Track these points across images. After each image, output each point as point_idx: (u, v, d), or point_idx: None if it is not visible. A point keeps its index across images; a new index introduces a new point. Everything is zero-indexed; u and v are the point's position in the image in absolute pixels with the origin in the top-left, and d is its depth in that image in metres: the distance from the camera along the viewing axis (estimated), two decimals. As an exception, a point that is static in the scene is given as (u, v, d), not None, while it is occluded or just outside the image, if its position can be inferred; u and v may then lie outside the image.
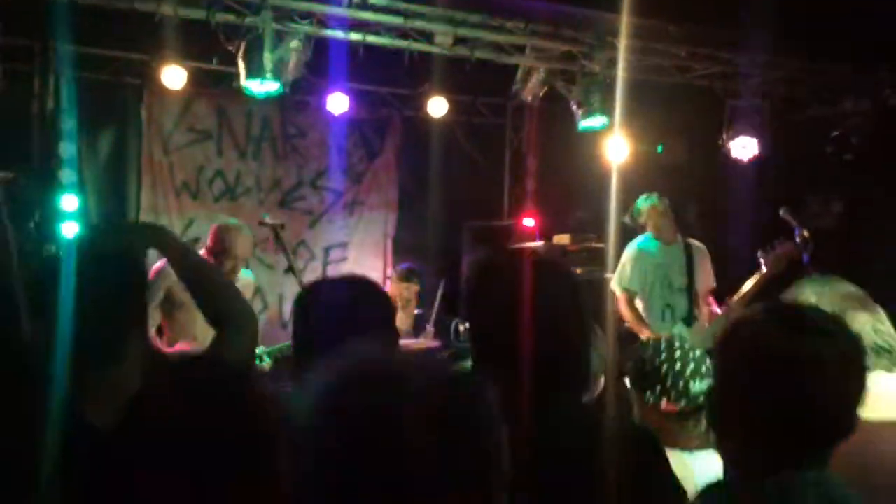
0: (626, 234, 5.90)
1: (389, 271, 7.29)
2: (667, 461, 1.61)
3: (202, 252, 4.18)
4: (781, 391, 1.36)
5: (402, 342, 4.54)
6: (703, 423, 1.96)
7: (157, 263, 3.95)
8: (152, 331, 4.02)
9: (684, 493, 1.63)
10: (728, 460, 1.49)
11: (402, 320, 5.75)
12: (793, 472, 1.37)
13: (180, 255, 2.14)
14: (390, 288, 6.07)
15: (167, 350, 3.89)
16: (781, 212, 4.81)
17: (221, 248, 4.07)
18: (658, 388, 2.02)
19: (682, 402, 2.01)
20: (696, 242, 5.63)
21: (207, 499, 1.17)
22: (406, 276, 6.11)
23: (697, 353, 2.06)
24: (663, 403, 2.02)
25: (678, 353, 2.05)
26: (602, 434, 1.48)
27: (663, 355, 2.05)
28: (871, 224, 5.45)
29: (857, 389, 1.38)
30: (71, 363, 1.64)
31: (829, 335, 1.38)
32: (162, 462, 1.18)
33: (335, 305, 2.01)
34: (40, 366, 1.67)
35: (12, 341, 1.74)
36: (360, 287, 2.10)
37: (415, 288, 6.09)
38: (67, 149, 6.08)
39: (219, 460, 1.19)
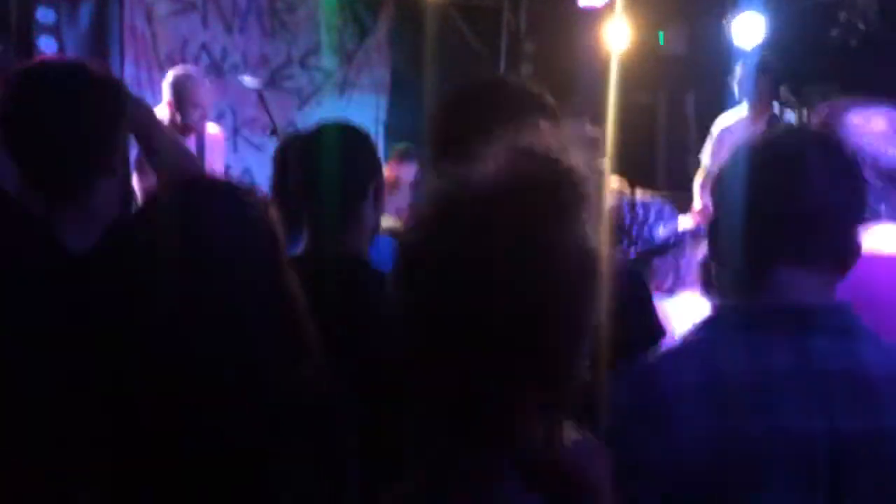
0: (625, 123, 5.77)
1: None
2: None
3: (164, 108, 4.01)
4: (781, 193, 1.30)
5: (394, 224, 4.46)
6: (676, 267, 1.99)
7: None
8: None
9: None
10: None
11: (403, 201, 5.66)
12: None
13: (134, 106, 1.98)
14: (388, 170, 5.95)
15: None
16: (781, 91, 4.69)
17: (181, 97, 3.91)
18: (625, 240, 2.12)
19: (648, 247, 2.14)
20: None
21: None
22: (405, 156, 5.97)
23: (659, 204, 2.21)
24: (632, 252, 2.13)
25: (642, 200, 2.20)
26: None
27: (625, 204, 2.18)
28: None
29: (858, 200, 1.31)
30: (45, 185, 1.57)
31: (823, 140, 1.33)
32: (135, 287, 1.10)
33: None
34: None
35: None
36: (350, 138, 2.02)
37: (414, 167, 5.97)
38: (47, 15, 5.88)
39: (202, 280, 1.11)
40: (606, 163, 5.65)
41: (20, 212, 1.59)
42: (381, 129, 7.52)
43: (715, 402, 1.23)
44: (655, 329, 1.68)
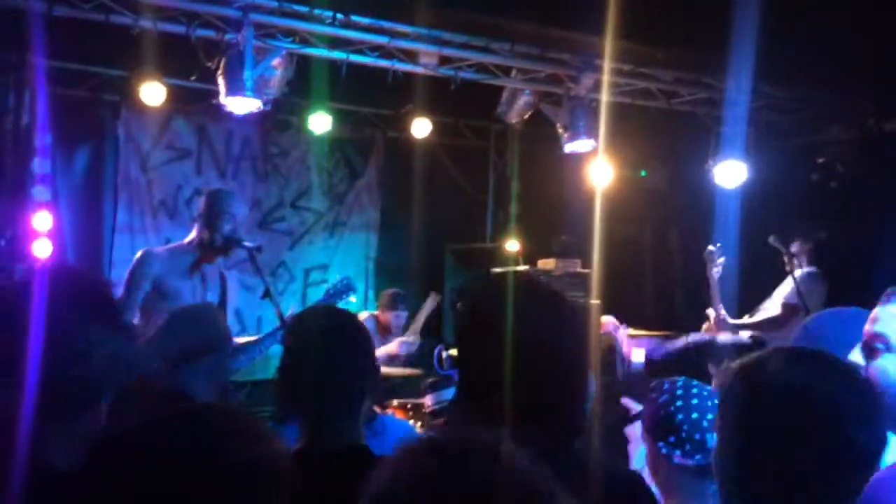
0: (610, 259, 5.84)
1: (370, 294, 7.18)
2: None
3: (195, 226, 3.89)
4: (807, 426, 1.26)
5: (385, 370, 4.41)
6: None
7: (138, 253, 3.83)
8: (136, 319, 3.81)
9: None
10: None
11: (393, 347, 5.64)
12: None
13: None
14: (379, 314, 5.96)
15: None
16: (770, 239, 4.77)
17: (213, 210, 3.81)
18: (672, 438, 1.82)
19: (698, 457, 1.80)
20: None
21: None
22: (393, 304, 6.00)
23: (716, 400, 1.83)
24: (677, 457, 1.82)
25: (695, 401, 1.83)
26: (594, 487, 1.36)
27: (679, 402, 1.84)
28: (856, 254, 5.42)
29: (879, 434, 1.29)
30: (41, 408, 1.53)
31: (848, 377, 1.29)
32: None
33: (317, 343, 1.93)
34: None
35: None
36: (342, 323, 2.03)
37: (404, 314, 5.99)
38: (42, 165, 5.94)
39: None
40: (596, 303, 5.69)
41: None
42: (370, 266, 7.59)
43: None
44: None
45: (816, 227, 5.29)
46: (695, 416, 1.81)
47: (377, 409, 3.05)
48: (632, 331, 6.77)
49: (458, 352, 1.53)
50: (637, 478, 1.59)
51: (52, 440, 1.48)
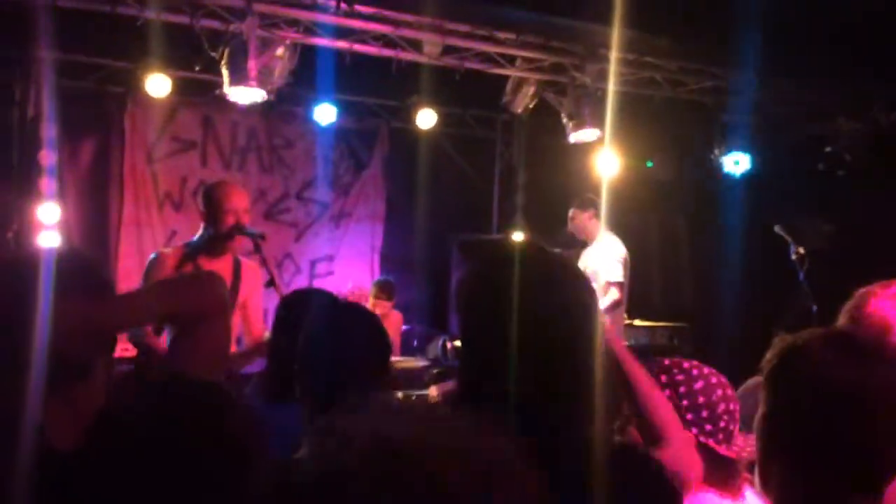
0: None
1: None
2: None
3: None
4: (845, 422, 1.28)
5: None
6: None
7: (151, 256, 3.82)
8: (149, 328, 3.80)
9: None
10: (775, 498, 1.38)
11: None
12: None
13: None
14: (369, 303, 5.96)
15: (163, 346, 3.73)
16: (777, 228, 4.75)
17: (213, 205, 3.73)
18: (708, 426, 1.79)
19: (730, 447, 1.79)
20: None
21: None
22: (376, 292, 6.01)
23: (730, 391, 1.84)
24: (710, 442, 1.78)
25: (739, 392, 1.84)
26: (607, 470, 1.32)
27: (718, 391, 1.81)
28: (863, 244, 5.39)
29: None
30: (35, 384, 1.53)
31: (890, 363, 1.30)
32: (123, 486, 1.10)
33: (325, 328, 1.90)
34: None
35: None
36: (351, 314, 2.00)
37: (387, 304, 5.98)
38: (48, 157, 5.96)
39: (183, 483, 1.11)
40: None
41: None
42: (375, 257, 7.59)
43: None
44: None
45: (822, 219, 5.27)
46: (732, 406, 1.82)
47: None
48: (638, 321, 6.79)
49: (462, 319, 1.42)
50: (657, 463, 1.54)
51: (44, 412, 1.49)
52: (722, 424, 1.79)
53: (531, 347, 1.29)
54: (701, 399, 1.80)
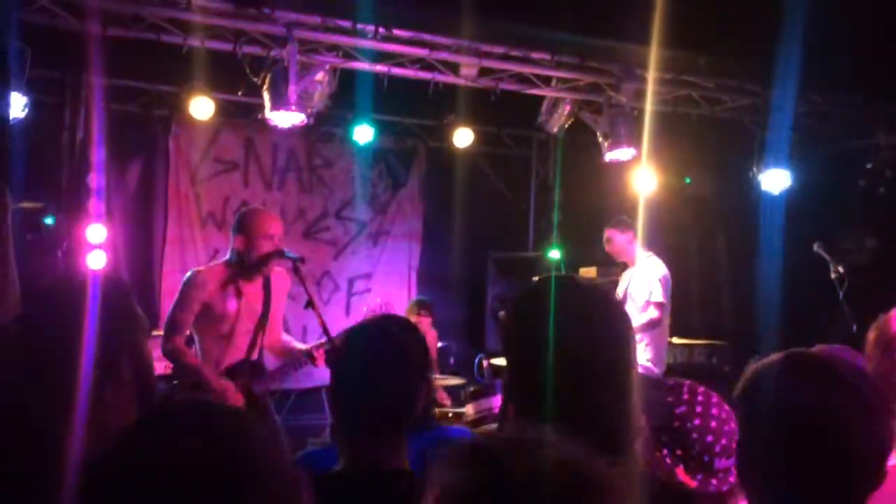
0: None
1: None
2: None
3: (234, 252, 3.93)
4: (807, 445, 1.31)
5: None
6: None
7: (188, 273, 3.91)
8: (182, 340, 3.90)
9: None
10: None
11: None
12: None
13: None
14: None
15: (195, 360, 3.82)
16: (815, 247, 4.71)
17: (250, 232, 3.84)
18: (679, 451, 1.70)
19: (699, 477, 1.68)
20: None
21: None
22: (414, 310, 6.05)
23: (733, 425, 1.70)
24: (679, 471, 1.70)
25: (713, 423, 1.71)
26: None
27: (696, 420, 1.71)
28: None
29: (884, 440, 1.32)
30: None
31: (852, 387, 1.32)
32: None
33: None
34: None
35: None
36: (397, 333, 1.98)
37: (426, 321, 6.02)
38: (96, 180, 6.13)
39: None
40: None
41: None
42: (413, 274, 7.66)
43: None
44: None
45: (864, 236, 5.21)
46: (709, 439, 1.70)
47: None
48: (677, 339, 6.74)
49: (506, 359, 1.54)
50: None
51: None
52: (694, 452, 1.70)
53: (568, 381, 1.37)
54: (676, 423, 1.74)
